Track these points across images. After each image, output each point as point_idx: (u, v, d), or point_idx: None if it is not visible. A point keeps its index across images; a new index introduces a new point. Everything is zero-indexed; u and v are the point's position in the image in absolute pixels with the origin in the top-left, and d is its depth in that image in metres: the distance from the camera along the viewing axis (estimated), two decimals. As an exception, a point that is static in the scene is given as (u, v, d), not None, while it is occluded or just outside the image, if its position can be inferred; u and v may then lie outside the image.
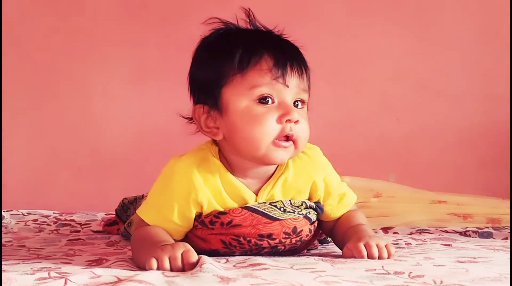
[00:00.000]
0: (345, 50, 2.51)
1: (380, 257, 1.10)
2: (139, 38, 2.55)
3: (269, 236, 1.16)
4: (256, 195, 1.18)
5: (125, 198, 1.69)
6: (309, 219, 1.21)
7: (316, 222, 1.25)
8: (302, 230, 1.19)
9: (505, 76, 2.50)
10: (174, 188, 1.16)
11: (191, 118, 1.20)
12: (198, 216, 1.17)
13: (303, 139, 1.14)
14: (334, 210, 1.26)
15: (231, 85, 1.12)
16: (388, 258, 1.11)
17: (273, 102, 1.12)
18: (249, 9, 1.19)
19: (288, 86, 1.12)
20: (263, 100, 1.11)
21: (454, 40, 2.55)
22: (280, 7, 2.49)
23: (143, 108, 2.55)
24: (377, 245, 1.11)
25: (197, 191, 1.14)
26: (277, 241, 1.17)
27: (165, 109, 2.53)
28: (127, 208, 1.65)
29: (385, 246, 1.12)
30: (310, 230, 1.22)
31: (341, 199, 1.27)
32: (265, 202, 1.17)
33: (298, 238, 1.19)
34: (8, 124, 2.48)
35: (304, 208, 1.20)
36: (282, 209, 1.17)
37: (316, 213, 1.23)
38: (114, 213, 1.71)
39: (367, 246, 1.11)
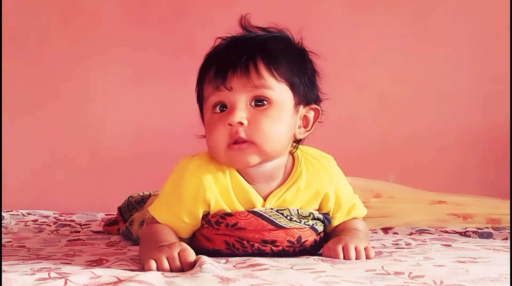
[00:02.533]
0: (345, 50, 2.51)
1: (357, 259, 1.10)
2: (139, 39, 2.55)
3: (273, 242, 1.16)
4: (265, 200, 1.18)
5: (131, 197, 1.68)
6: (315, 230, 1.20)
7: (323, 232, 1.24)
8: (306, 240, 1.19)
9: (505, 77, 2.50)
10: (184, 187, 1.17)
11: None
12: (205, 215, 1.18)
13: (262, 138, 1.12)
14: (340, 221, 1.27)
15: (204, 102, 1.18)
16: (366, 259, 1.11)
17: (227, 109, 1.13)
18: (245, 15, 1.18)
19: (231, 89, 1.11)
20: (220, 108, 1.14)
21: (454, 40, 2.55)
22: (280, 7, 2.49)
23: (143, 109, 2.55)
24: (355, 248, 1.11)
25: (205, 190, 1.15)
26: (280, 248, 1.17)
27: (165, 109, 2.54)
28: (133, 207, 1.64)
29: (365, 249, 1.12)
30: (315, 240, 1.21)
31: (349, 212, 1.27)
32: (272, 209, 1.17)
33: (302, 248, 1.19)
34: (8, 124, 2.48)
35: (311, 219, 1.20)
36: (288, 218, 1.17)
37: (323, 224, 1.23)
38: (117, 210, 1.70)
39: (345, 248, 1.11)
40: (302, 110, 1.18)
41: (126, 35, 2.54)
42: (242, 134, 1.11)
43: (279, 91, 1.13)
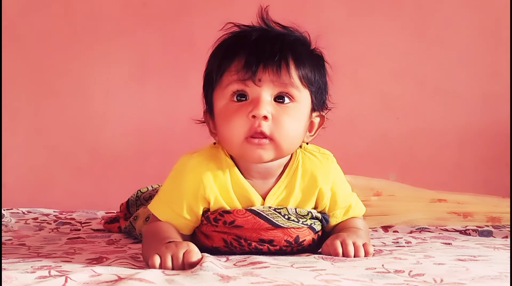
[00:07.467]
0: (345, 49, 2.51)
1: (356, 256, 1.10)
2: (139, 37, 2.54)
3: (270, 242, 1.16)
4: (264, 198, 1.18)
5: (140, 191, 1.67)
6: (313, 229, 1.20)
7: (321, 231, 1.24)
8: (304, 240, 1.19)
9: (505, 75, 2.50)
10: (184, 184, 1.17)
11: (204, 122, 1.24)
12: (205, 212, 1.19)
13: (283, 137, 1.12)
14: (338, 221, 1.26)
15: (215, 90, 1.16)
16: (365, 256, 1.11)
17: (248, 100, 1.12)
18: (265, 7, 1.18)
19: (259, 81, 1.11)
20: (238, 97, 1.12)
21: (454, 39, 2.55)
22: (280, 6, 2.48)
23: (143, 107, 2.54)
24: (353, 243, 1.11)
25: (205, 187, 1.16)
26: (277, 247, 1.17)
27: (165, 108, 2.54)
28: (141, 203, 1.64)
29: (363, 245, 1.12)
30: (313, 239, 1.21)
31: (347, 211, 1.26)
32: (270, 207, 1.17)
33: (299, 247, 1.19)
34: (8, 124, 2.48)
35: (309, 218, 1.20)
36: (286, 217, 1.17)
37: (321, 224, 1.23)
38: (119, 207, 1.69)
39: (343, 243, 1.11)
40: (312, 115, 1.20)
41: (127, 33, 2.54)
42: (265, 129, 1.10)
43: (302, 93, 1.14)
